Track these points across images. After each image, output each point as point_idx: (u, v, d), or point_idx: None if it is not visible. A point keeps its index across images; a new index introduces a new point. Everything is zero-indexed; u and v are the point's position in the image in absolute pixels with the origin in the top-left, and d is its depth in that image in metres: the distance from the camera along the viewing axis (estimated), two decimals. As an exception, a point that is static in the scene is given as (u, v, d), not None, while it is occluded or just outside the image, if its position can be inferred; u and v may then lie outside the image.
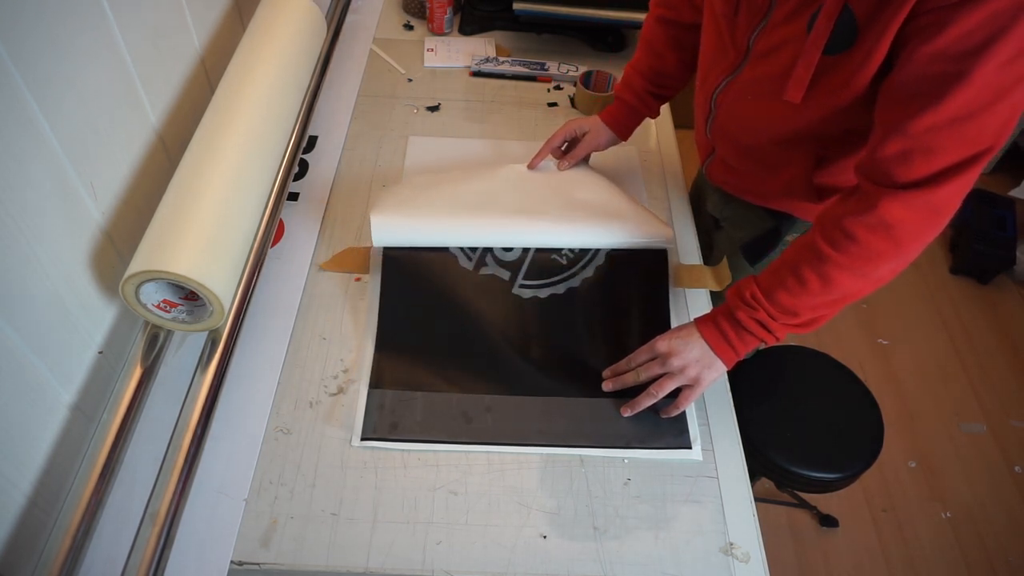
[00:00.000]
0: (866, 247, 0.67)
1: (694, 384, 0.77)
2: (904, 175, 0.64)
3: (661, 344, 0.78)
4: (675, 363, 0.76)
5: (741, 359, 0.77)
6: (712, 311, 0.79)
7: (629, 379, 0.79)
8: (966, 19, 0.56)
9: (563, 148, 1.03)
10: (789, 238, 0.99)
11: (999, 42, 0.56)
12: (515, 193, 0.97)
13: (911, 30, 0.61)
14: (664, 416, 0.79)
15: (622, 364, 0.82)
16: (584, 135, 1.01)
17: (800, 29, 0.70)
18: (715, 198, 1.09)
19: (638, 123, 1.03)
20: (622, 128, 1.02)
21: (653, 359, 0.79)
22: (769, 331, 0.74)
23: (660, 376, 0.78)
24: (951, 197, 0.64)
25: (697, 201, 1.17)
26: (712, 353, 0.76)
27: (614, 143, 1.03)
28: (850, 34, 0.65)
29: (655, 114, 1.02)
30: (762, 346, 0.78)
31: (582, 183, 1.00)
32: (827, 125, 0.77)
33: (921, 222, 0.65)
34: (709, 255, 1.11)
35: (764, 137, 0.84)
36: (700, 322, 0.78)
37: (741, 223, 1.04)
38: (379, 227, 0.89)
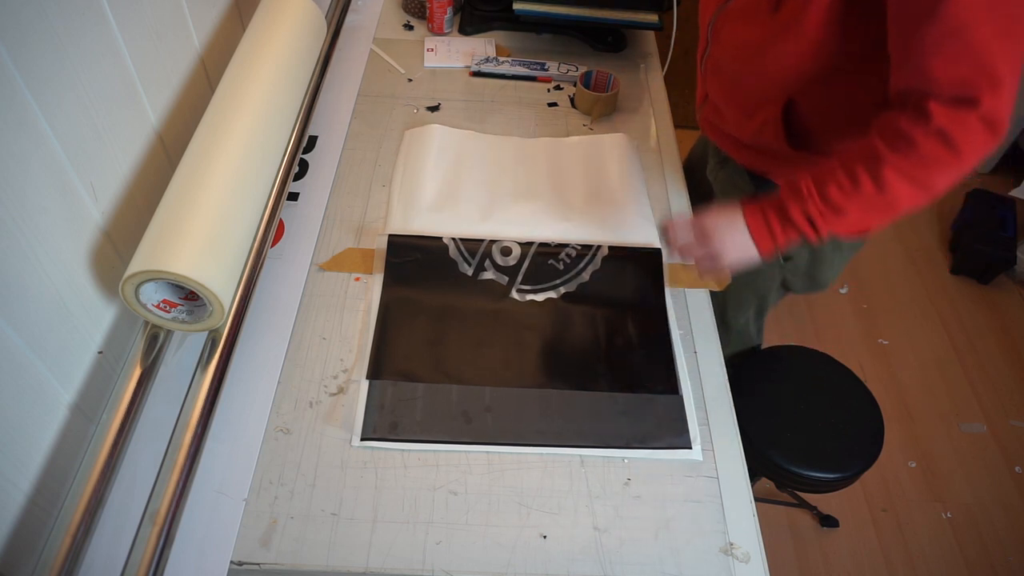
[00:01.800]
0: (924, 152, 0.65)
1: (716, 258, 0.79)
2: (936, 86, 0.63)
3: (707, 222, 0.79)
4: (714, 245, 0.78)
5: (779, 250, 0.78)
6: (761, 200, 0.77)
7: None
8: None
9: None
10: None
11: None
12: (513, 174, 1.05)
13: None
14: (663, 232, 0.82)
15: (670, 235, 0.83)
16: None
17: None
18: (712, 163, 1.11)
19: None
20: None
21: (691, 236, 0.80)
22: (814, 227, 0.73)
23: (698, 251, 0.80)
24: (996, 109, 0.62)
25: (700, 165, 1.18)
26: (751, 241, 0.76)
27: None
28: None
29: None
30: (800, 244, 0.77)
31: (576, 172, 1.07)
32: (798, 57, 0.78)
33: (976, 133, 0.64)
34: None
35: (745, 68, 0.86)
36: (747, 209, 0.78)
37: (728, 189, 1.06)
38: (394, 217, 0.97)
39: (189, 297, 0.73)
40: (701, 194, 1.15)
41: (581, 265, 0.92)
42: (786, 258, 1.03)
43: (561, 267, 0.92)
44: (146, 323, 0.73)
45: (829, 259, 1.03)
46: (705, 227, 0.79)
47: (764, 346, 1.26)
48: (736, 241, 0.77)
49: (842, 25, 0.73)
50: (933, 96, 0.64)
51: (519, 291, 0.91)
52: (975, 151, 0.64)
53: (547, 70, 1.27)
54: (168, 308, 0.71)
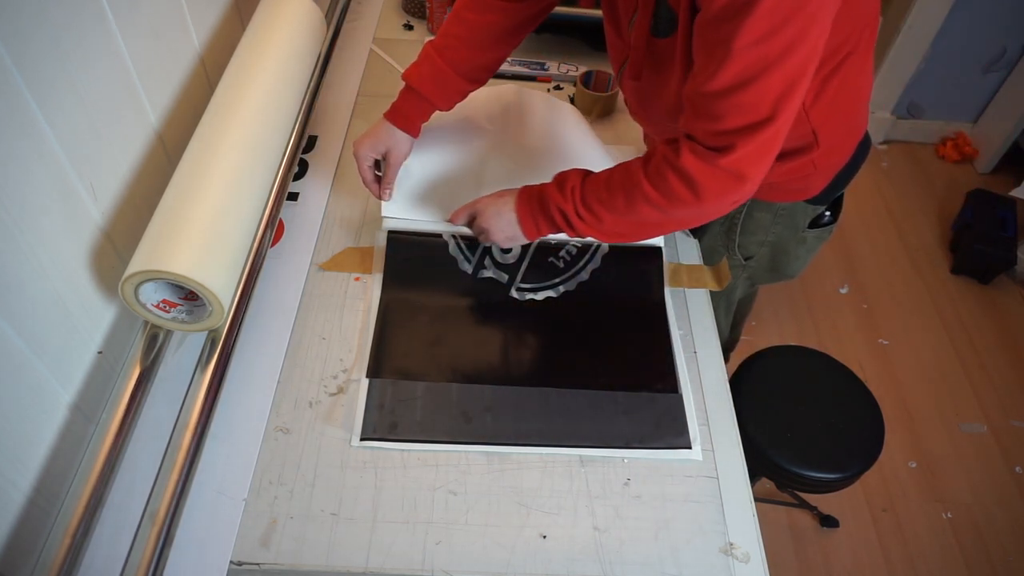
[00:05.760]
0: (671, 188, 0.71)
1: (487, 235, 0.84)
2: (699, 134, 0.68)
3: (480, 206, 0.84)
4: (484, 224, 0.84)
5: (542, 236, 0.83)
6: (537, 190, 0.81)
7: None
8: None
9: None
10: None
11: (750, 16, 0.59)
12: (505, 161, 1.01)
13: (698, 4, 0.66)
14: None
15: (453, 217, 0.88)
16: (387, 152, 0.92)
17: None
18: None
19: (428, 118, 0.95)
20: (416, 127, 0.94)
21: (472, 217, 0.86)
22: (571, 226, 0.79)
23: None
24: (742, 162, 0.67)
25: None
26: (518, 227, 0.82)
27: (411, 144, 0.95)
28: (672, 20, 0.73)
29: (450, 108, 0.95)
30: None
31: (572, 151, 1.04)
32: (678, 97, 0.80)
33: (717, 181, 0.69)
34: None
35: (657, 112, 0.87)
36: (520, 197, 0.82)
37: None
38: (389, 210, 0.95)
39: (189, 297, 0.73)
40: None
41: (581, 263, 0.92)
42: (747, 257, 1.03)
43: (561, 265, 0.92)
44: (146, 323, 0.73)
45: (793, 252, 1.03)
46: (478, 209, 0.85)
47: (764, 346, 1.26)
48: (503, 226, 0.83)
49: None
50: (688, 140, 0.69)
51: (519, 290, 0.91)
52: (716, 198, 0.71)
53: (547, 70, 1.27)
54: (168, 308, 0.71)
